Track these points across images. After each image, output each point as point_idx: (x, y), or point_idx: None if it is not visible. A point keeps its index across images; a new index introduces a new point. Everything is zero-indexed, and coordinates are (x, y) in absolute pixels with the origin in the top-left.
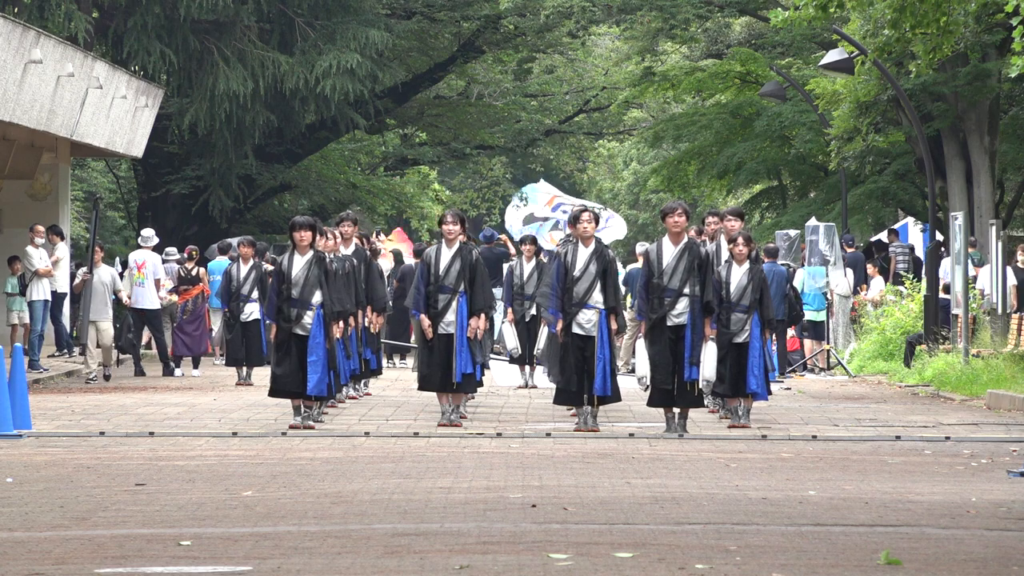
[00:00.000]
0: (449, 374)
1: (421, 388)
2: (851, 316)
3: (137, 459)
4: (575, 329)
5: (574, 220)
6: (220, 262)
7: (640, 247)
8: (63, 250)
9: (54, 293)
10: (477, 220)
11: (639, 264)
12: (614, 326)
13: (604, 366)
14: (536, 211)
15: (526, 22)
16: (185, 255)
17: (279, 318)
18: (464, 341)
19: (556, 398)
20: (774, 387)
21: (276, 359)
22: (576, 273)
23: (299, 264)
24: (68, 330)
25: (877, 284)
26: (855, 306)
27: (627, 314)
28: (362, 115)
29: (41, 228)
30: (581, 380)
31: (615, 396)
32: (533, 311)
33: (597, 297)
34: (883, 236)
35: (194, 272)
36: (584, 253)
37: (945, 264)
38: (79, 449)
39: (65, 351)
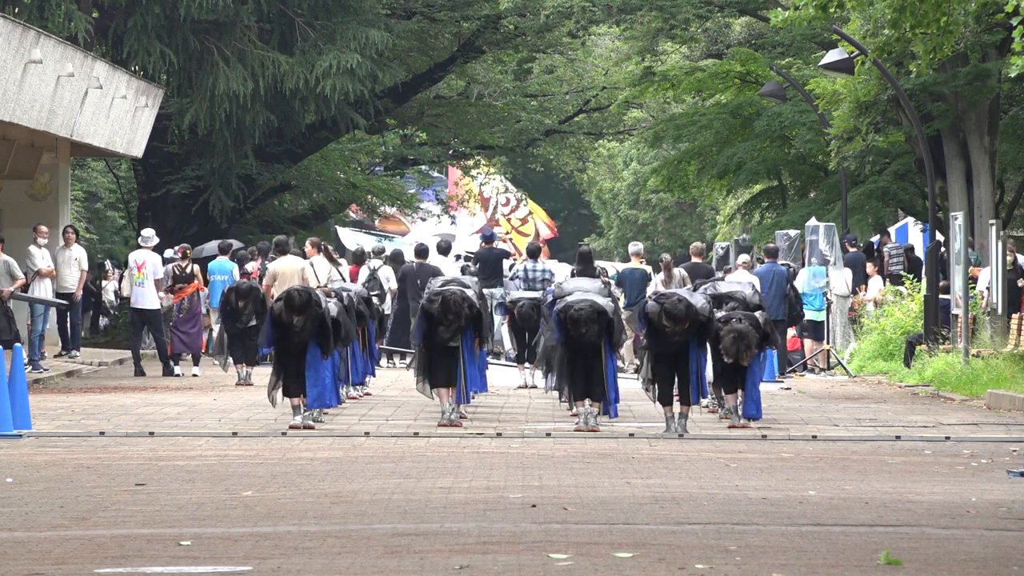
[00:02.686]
0: (452, 373)
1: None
2: (850, 316)
3: (137, 459)
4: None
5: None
6: (221, 262)
7: (633, 247)
8: (78, 250)
9: (65, 294)
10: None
11: (632, 264)
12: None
13: (613, 377)
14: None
15: (526, 22)
16: (178, 254)
17: (277, 350)
18: (470, 362)
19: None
20: (774, 387)
21: (277, 364)
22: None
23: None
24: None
25: (875, 284)
26: (854, 306)
27: (624, 314)
28: (362, 115)
29: (44, 228)
30: (584, 380)
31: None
32: (522, 294)
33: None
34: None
35: (188, 270)
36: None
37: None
38: (79, 449)
39: (75, 352)
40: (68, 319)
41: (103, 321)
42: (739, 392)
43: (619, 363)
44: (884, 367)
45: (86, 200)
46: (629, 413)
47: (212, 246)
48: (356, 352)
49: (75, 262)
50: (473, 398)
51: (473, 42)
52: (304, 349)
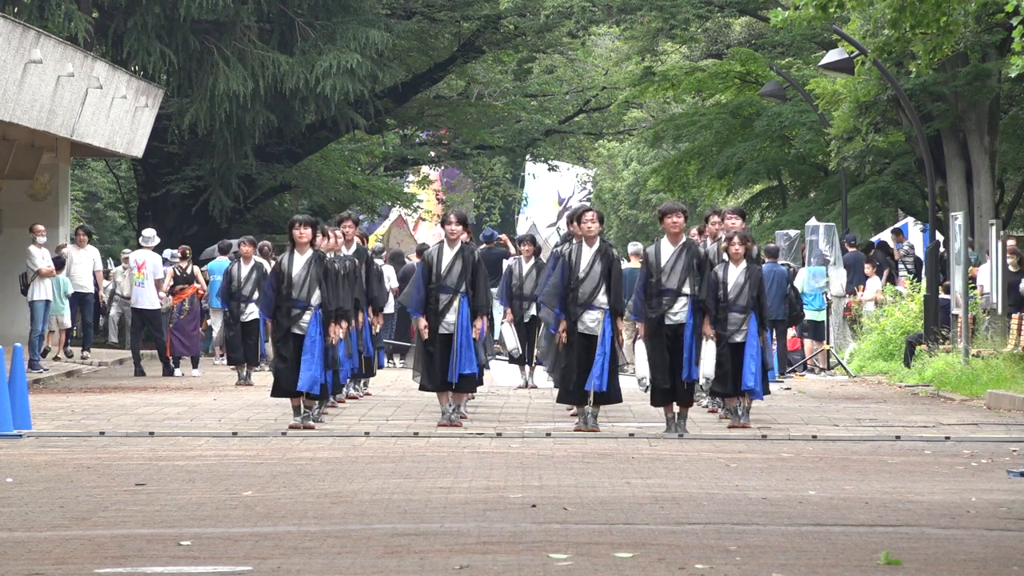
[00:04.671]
0: (448, 374)
1: (422, 388)
2: (846, 316)
3: (137, 459)
4: (580, 328)
5: (577, 219)
6: (221, 262)
7: (632, 247)
8: (92, 250)
9: (82, 293)
10: (477, 219)
11: (631, 264)
12: (621, 327)
13: (603, 363)
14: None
15: (526, 22)
16: (179, 254)
17: (277, 315)
18: (465, 342)
19: (559, 398)
20: (774, 387)
21: (277, 359)
22: (580, 274)
23: (299, 263)
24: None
25: (873, 284)
26: (850, 306)
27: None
28: (362, 115)
29: (41, 227)
30: (584, 380)
31: (616, 396)
32: (533, 311)
33: (602, 298)
34: (884, 236)
35: (189, 271)
36: (588, 253)
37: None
38: (79, 449)
39: (86, 353)
40: (82, 318)
41: (103, 320)
42: (740, 399)
43: (621, 363)
44: (884, 367)
45: (86, 200)
46: (629, 413)
47: (213, 249)
48: (341, 355)
49: (91, 262)
50: (470, 397)
51: (473, 42)
52: (301, 340)
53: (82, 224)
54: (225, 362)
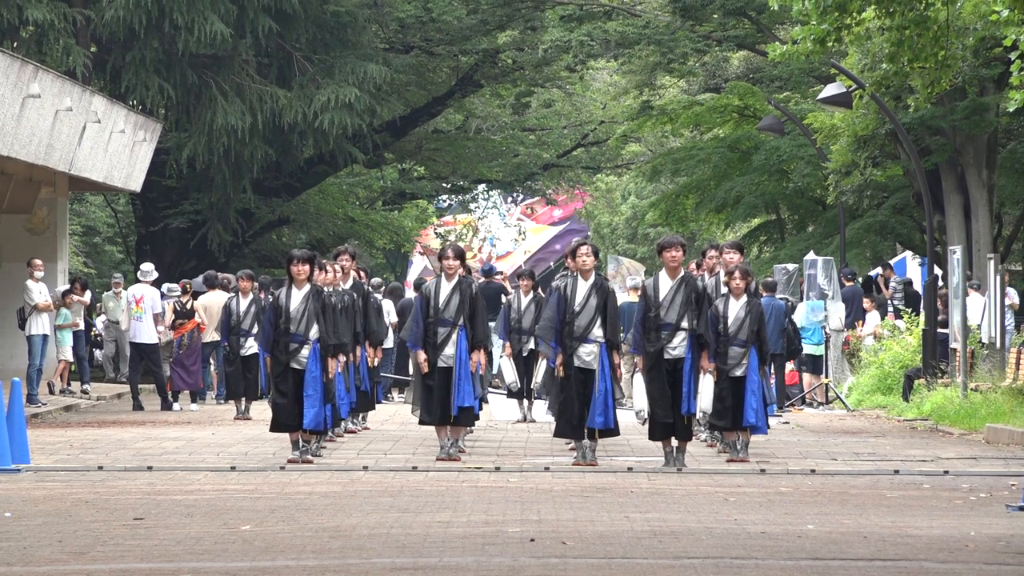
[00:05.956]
0: (448, 408)
1: (422, 422)
2: (844, 350)
3: (135, 493)
4: (576, 363)
5: (572, 253)
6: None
7: (631, 280)
8: (87, 296)
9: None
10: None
11: (630, 298)
12: (617, 360)
13: (604, 399)
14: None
15: (524, 56)
16: (179, 289)
17: (276, 350)
18: (464, 374)
19: (556, 431)
20: (772, 421)
21: (276, 394)
22: (576, 307)
23: (296, 298)
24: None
25: (873, 319)
26: (848, 340)
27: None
28: (360, 149)
29: (39, 262)
30: (582, 413)
31: (614, 430)
32: (531, 345)
33: (597, 332)
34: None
35: (189, 306)
36: (583, 287)
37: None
38: (77, 483)
39: (86, 386)
40: (75, 352)
41: (98, 354)
42: (739, 434)
43: (618, 397)
44: (883, 401)
45: (84, 234)
46: (628, 447)
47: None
48: (340, 389)
49: (82, 309)
50: (468, 431)
51: (471, 76)
52: (300, 376)
53: (78, 277)
54: (224, 396)
